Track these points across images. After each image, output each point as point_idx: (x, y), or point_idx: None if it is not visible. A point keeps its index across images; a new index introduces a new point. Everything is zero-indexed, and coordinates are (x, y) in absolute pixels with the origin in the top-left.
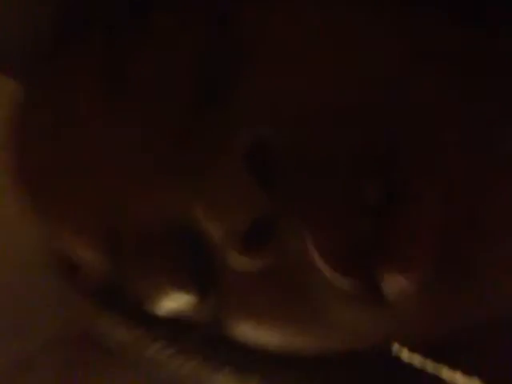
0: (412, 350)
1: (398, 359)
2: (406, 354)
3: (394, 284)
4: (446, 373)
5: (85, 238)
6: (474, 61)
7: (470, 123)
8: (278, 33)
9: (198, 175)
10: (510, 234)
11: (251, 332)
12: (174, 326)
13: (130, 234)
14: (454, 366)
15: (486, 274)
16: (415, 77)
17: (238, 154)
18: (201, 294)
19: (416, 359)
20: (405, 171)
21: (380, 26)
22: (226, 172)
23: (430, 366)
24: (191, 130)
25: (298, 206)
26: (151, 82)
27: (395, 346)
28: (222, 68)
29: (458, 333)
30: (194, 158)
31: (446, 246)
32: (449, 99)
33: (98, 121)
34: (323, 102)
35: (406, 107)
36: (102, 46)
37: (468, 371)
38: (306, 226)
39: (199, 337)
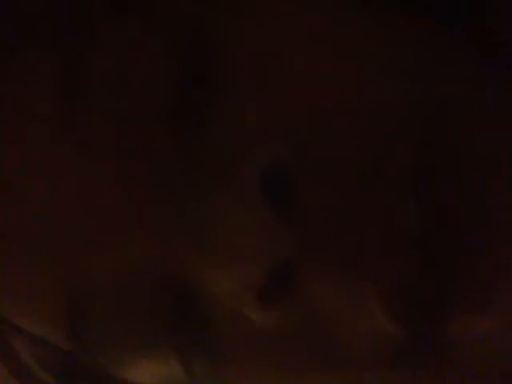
0: None
1: None
2: None
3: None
4: None
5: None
6: None
7: None
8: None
9: (189, 216)
10: None
11: None
12: None
13: (99, 296)
14: None
15: None
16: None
17: (253, 183)
18: (186, 364)
19: None
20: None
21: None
22: (236, 207)
23: None
24: (174, 159)
25: (328, 246)
26: (118, 104)
27: None
28: (199, 86)
29: None
30: (183, 193)
31: None
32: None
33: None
34: (340, 107)
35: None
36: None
37: None
38: (341, 270)
39: None
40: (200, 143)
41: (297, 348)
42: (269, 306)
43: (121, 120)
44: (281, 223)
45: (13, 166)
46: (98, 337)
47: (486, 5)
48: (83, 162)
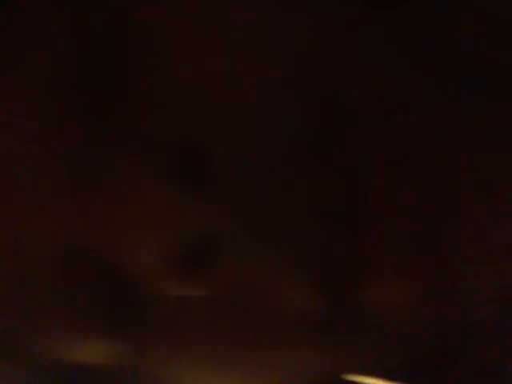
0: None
1: None
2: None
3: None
4: None
5: None
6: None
7: None
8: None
9: (101, 192)
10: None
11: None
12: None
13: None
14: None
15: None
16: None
17: (164, 160)
18: (114, 338)
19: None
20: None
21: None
22: (148, 183)
23: None
24: (89, 136)
25: (247, 220)
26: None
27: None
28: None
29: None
30: (95, 171)
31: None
32: None
33: None
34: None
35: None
36: None
37: None
38: (262, 246)
39: None
40: (110, 135)
41: (219, 322)
42: (186, 278)
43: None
44: (195, 201)
45: None
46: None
47: None
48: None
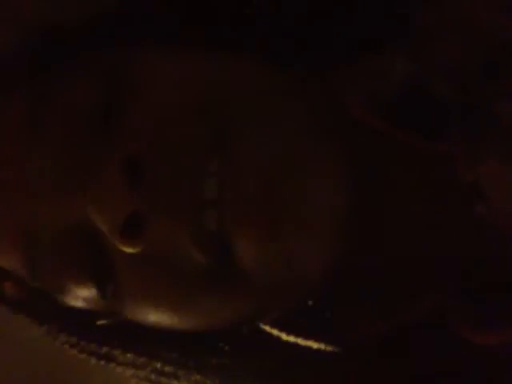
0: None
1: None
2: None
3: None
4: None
5: (4, 240)
6: None
7: None
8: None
9: (88, 184)
10: None
11: (140, 314)
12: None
13: (42, 236)
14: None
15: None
16: None
17: (117, 164)
18: (100, 287)
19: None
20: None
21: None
22: (107, 180)
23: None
24: (87, 151)
25: (160, 203)
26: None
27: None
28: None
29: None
30: (86, 171)
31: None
32: None
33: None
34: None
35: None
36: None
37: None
38: (174, 218)
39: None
40: (101, 140)
41: (153, 273)
42: (129, 242)
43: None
44: (132, 191)
45: None
46: (42, 270)
47: None
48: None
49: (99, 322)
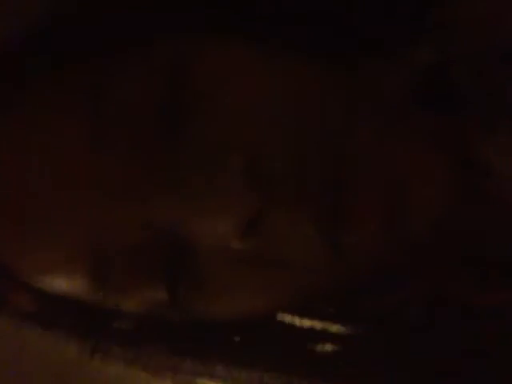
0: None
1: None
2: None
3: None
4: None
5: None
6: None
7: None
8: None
9: (189, 184)
10: None
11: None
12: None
13: (118, 250)
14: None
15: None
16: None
17: (239, 169)
18: (171, 290)
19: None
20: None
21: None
22: (235, 180)
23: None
24: (165, 148)
25: (281, 202)
26: (127, 121)
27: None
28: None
29: None
30: (178, 170)
31: None
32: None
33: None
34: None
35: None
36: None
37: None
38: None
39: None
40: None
41: (257, 263)
42: (248, 238)
43: (129, 130)
44: (257, 190)
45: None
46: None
47: None
48: (100, 154)
49: (115, 325)
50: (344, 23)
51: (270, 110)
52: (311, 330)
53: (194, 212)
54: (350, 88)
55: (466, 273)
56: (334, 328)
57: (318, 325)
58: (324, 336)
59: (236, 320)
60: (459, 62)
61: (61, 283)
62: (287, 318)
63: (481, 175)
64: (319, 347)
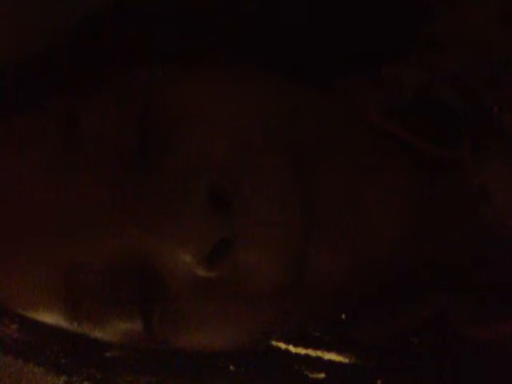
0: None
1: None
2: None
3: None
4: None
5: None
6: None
7: None
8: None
9: (153, 215)
10: None
11: (193, 337)
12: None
13: (83, 275)
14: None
15: None
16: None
17: (203, 193)
18: (147, 319)
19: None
20: None
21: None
22: (193, 208)
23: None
24: (133, 180)
25: (248, 229)
26: (98, 149)
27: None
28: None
29: None
30: (144, 202)
31: None
32: None
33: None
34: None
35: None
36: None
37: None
38: (258, 246)
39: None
40: (150, 171)
41: (229, 293)
42: (214, 267)
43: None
44: (219, 218)
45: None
46: (87, 304)
47: None
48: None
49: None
50: (323, 40)
51: (239, 132)
52: (306, 357)
53: (161, 242)
54: (325, 106)
55: (462, 300)
56: (329, 356)
57: (312, 352)
58: (318, 364)
59: (224, 350)
60: (447, 83)
61: (39, 312)
62: (282, 346)
63: (475, 199)
64: (314, 374)
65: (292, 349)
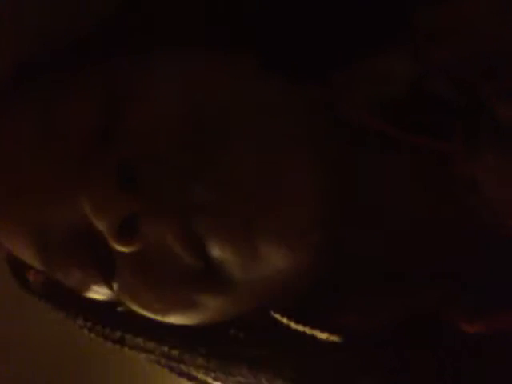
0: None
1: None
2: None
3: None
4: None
5: (20, 240)
6: None
7: None
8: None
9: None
10: None
11: (139, 309)
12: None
13: (51, 236)
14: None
15: None
16: None
17: (112, 172)
18: (108, 283)
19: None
20: None
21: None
22: (103, 184)
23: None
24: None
25: (152, 206)
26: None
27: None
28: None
29: None
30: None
31: None
32: None
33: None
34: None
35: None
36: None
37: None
38: (163, 221)
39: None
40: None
41: (148, 271)
42: (125, 242)
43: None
44: (127, 194)
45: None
46: (54, 266)
47: None
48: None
49: (119, 309)
50: (313, 32)
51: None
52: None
53: (90, 211)
54: (313, 101)
55: (457, 295)
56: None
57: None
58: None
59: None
60: (441, 75)
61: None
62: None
63: (465, 191)
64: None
65: (293, 325)
